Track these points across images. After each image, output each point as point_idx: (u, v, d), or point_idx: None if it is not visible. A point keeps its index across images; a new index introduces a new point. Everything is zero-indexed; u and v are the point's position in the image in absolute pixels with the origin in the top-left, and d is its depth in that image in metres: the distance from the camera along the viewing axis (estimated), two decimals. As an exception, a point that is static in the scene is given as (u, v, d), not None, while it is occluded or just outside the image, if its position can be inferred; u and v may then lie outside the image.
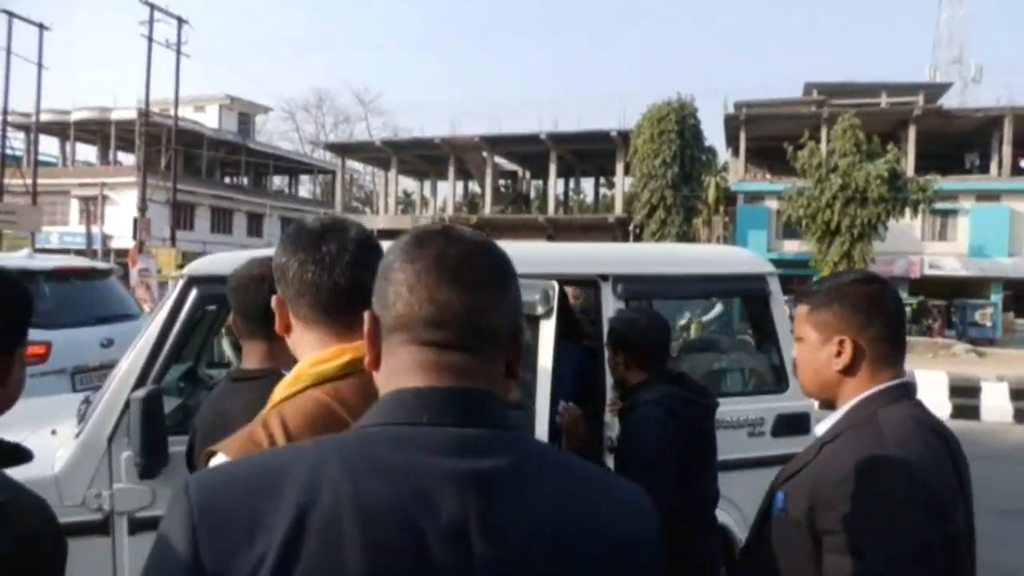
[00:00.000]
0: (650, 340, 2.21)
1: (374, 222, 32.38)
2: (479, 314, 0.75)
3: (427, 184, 40.47)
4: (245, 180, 42.95)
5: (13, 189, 24.59)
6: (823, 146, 23.10)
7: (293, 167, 44.63)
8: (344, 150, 36.57)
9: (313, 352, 1.07)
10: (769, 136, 26.63)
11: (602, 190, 43.15)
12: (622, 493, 0.77)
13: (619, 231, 29.39)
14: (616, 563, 0.71)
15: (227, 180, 42.49)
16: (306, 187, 50.26)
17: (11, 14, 23.03)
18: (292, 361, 1.14)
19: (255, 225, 40.31)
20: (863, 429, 1.23)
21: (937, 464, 1.19)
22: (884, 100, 28.71)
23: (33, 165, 26.38)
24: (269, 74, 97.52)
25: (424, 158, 34.66)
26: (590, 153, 32.53)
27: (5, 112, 23.17)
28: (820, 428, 1.33)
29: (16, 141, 30.65)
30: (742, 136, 28.05)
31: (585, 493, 0.73)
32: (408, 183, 44.65)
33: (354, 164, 41.16)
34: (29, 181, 23.96)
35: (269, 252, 1.28)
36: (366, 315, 0.78)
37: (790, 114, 27.65)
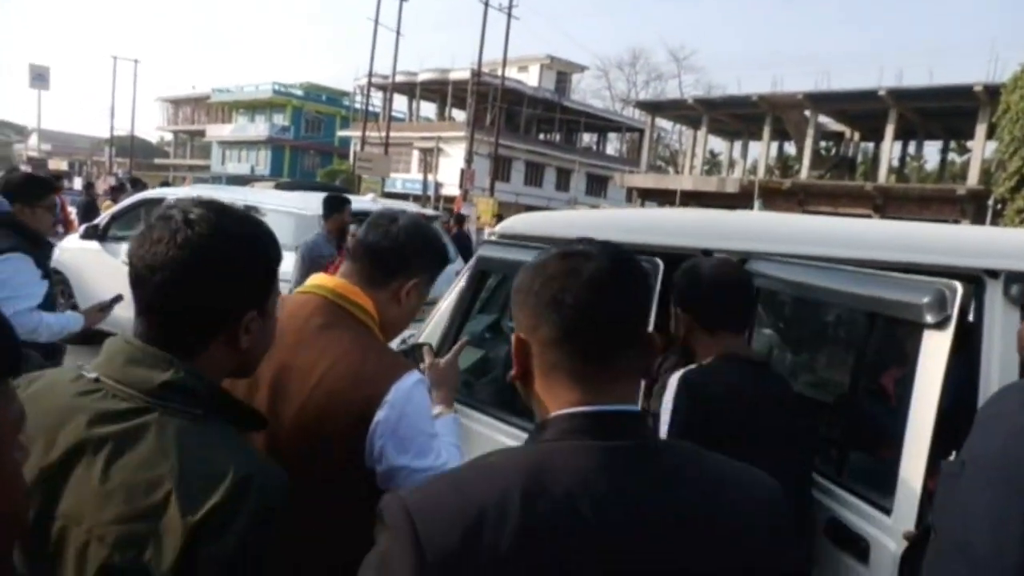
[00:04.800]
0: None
1: (679, 182, 31.63)
2: None
3: (737, 145, 38.22)
4: (557, 137, 44.97)
5: (370, 141, 28.81)
6: None
7: (603, 125, 45.48)
8: (654, 108, 36.08)
9: None
10: None
11: (950, 156, 36.59)
12: None
13: (971, 205, 24.65)
14: None
15: (541, 136, 44.89)
16: (612, 145, 51.02)
17: (379, -13, 26.62)
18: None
19: (563, 180, 42.16)
20: None
21: None
22: None
23: (387, 120, 30.64)
24: (589, 32, 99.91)
25: (737, 116, 32.64)
26: (940, 112, 27.57)
27: (371, 75, 27.09)
28: None
29: (375, 99, 35.89)
30: None
31: None
32: (716, 143, 42.73)
33: (662, 122, 40.50)
34: (383, 134, 27.84)
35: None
36: None
37: None
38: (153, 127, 67.99)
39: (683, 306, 1.80)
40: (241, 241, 1.00)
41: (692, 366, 1.77)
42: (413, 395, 1.27)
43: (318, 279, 1.41)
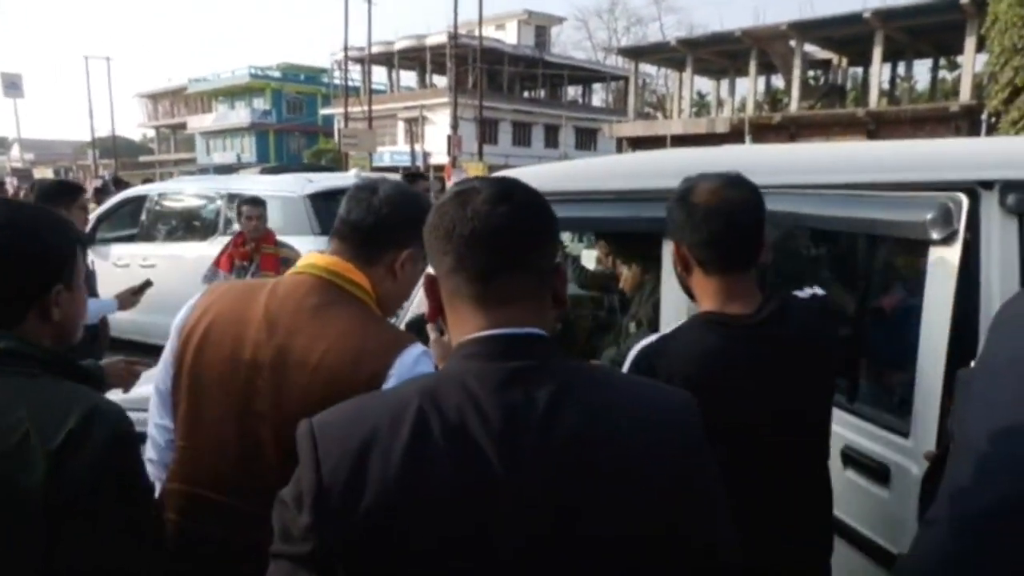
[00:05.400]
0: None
1: (668, 127, 31.25)
2: None
3: (724, 83, 37.65)
4: (542, 93, 44.36)
5: (353, 116, 28.44)
6: None
7: (586, 76, 44.81)
8: (637, 53, 35.45)
9: None
10: None
11: (940, 74, 36.01)
12: None
13: (965, 121, 24.36)
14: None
15: (525, 94, 44.28)
16: (598, 96, 50.37)
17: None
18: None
19: (551, 136, 41.72)
20: None
21: None
22: None
23: (368, 93, 30.16)
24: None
25: (722, 54, 32.11)
26: (928, 29, 27.06)
27: (346, 48, 26.59)
28: None
29: (354, 73, 35.32)
30: None
31: None
32: (703, 84, 42.11)
33: (647, 68, 39.89)
34: (365, 108, 27.45)
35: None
36: None
37: None
38: (135, 125, 67.29)
39: (675, 238, 1.44)
40: (36, 228, 1.16)
41: (655, 336, 1.43)
42: (418, 367, 1.23)
43: (311, 258, 1.37)
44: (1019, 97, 21.31)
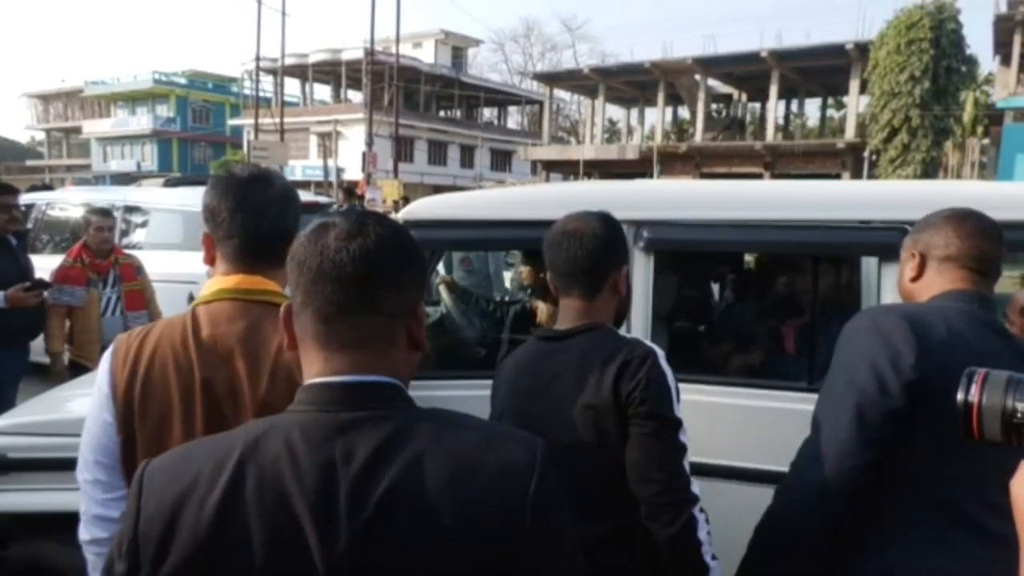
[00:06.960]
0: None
1: (581, 152, 32.13)
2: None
3: (634, 112, 39.14)
4: (458, 113, 44.66)
5: (264, 128, 27.73)
6: None
7: (502, 99, 45.48)
8: (551, 79, 36.37)
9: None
10: (1055, 38, 21.80)
11: (828, 112, 38.79)
12: None
13: (849, 158, 26.31)
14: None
15: (442, 114, 44.46)
16: (514, 118, 51.20)
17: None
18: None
19: (467, 157, 42.00)
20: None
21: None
22: None
23: (280, 105, 29.50)
24: (480, 4, 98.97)
25: (632, 84, 33.41)
26: (818, 70, 29.18)
27: (258, 58, 25.93)
28: None
29: (266, 84, 34.50)
30: (1016, 40, 23.27)
31: None
32: (614, 111, 43.61)
33: (561, 93, 40.94)
34: (277, 120, 26.82)
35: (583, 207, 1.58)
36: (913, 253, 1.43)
37: (1088, 9, 22.33)
38: (22, 127, 62.86)
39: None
40: None
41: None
42: None
43: (218, 284, 1.32)
44: (896, 137, 23.24)
